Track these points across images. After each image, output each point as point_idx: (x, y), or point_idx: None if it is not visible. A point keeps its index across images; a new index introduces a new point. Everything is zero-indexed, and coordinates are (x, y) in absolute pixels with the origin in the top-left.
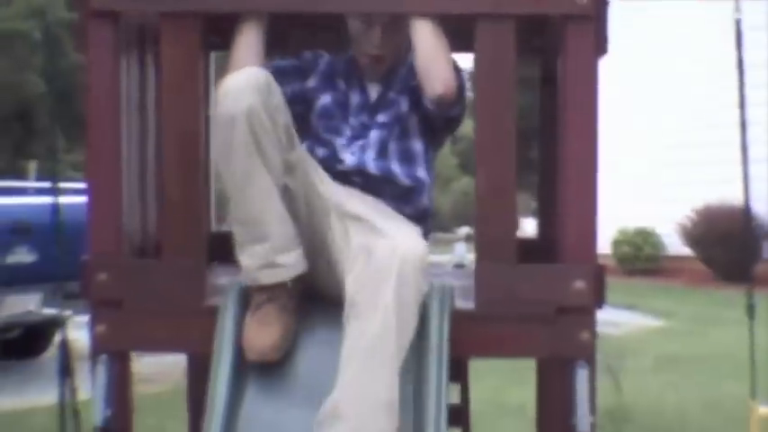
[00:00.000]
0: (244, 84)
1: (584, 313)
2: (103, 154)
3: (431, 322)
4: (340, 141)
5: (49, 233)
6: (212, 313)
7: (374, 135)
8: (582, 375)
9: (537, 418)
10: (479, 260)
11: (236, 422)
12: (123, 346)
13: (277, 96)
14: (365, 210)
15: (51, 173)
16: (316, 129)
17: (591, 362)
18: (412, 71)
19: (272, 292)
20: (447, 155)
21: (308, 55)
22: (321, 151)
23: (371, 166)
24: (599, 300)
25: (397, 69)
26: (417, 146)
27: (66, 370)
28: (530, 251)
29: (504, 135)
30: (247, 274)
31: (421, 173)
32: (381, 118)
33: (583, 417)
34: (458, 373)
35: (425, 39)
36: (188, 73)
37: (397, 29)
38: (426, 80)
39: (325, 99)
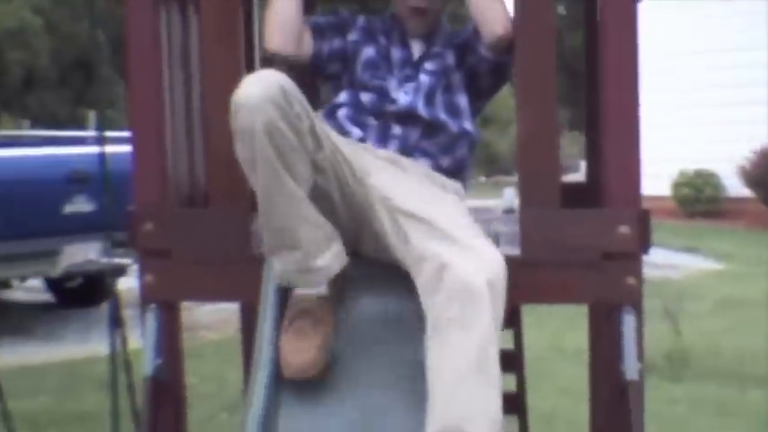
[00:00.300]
0: (258, 97)
1: (629, 258)
2: (146, 105)
3: None
4: (391, 83)
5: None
6: (259, 262)
7: (424, 78)
8: (629, 321)
9: (590, 363)
10: (523, 205)
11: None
12: (171, 295)
13: (297, 101)
14: (419, 206)
15: (108, 122)
16: (361, 79)
17: (638, 308)
18: (453, 32)
19: (308, 302)
20: (506, 96)
21: (346, 13)
22: (368, 96)
23: (422, 109)
24: (645, 245)
25: (438, 29)
26: (462, 101)
27: (116, 321)
28: (579, 194)
29: (545, 78)
30: (282, 278)
31: (467, 125)
32: (429, 66)
33: (630, 363)
34: (510, 319)
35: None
36: (228, 20)
37: None
38: (484, 24)
39: (368, 51)
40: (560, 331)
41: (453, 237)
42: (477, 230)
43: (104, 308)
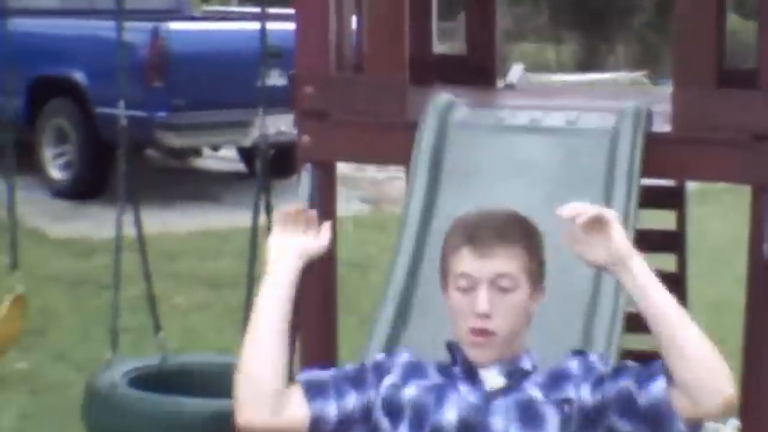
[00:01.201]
0: None
1: None
2: None
3: (620, 146)
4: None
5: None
6: (412, 128)
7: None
8: None
9: (749, 247)
10: (677, 83)
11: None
12: (326, 155)
13: None
14: None
15: None
16: None
17: None
18: (563, 374)
19: None
20: None
21: (380, 360)
22: None
23: None
24: None
25: (522, 360)
26: None
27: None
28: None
29: None
30: None
31: None
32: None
33: None
34: (674, 199)
35: (685, 325)
36: None
37: (507, 291)
38: (697, 390)
39: (410, 391)
40: (745, 221)
41: None
42: None
43: (293, 180)
